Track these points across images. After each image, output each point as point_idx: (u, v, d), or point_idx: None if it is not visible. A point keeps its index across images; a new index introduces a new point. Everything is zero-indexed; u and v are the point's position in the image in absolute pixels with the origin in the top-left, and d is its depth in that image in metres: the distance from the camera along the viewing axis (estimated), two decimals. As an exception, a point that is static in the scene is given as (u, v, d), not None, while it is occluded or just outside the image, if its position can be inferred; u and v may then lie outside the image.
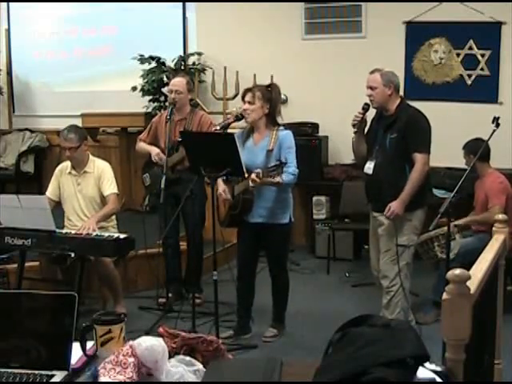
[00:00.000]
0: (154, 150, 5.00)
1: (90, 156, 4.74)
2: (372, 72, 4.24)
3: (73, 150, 4.57)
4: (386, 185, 4.14)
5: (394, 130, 4.13)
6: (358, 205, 6.02)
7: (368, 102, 4.25)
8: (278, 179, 3.93)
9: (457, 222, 4.80)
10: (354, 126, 4.26)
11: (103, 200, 4.67)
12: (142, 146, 5.17)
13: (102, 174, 4.66)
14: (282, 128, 4.30)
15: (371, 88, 4.18)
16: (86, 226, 4.34)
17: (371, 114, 4.36)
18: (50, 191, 4.74)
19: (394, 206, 4.07)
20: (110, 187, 4.64)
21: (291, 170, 4.10)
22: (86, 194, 4.66)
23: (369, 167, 4.25)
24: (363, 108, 4.25)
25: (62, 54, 7.99)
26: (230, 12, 7.18)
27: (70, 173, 4.70)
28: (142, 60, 7.03)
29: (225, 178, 4.26)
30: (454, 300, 1.66)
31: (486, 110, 5.87)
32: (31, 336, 1.85)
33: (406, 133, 4.08)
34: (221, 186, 4.29)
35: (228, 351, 1.90)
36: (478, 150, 4.52)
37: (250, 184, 3.98)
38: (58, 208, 4.73)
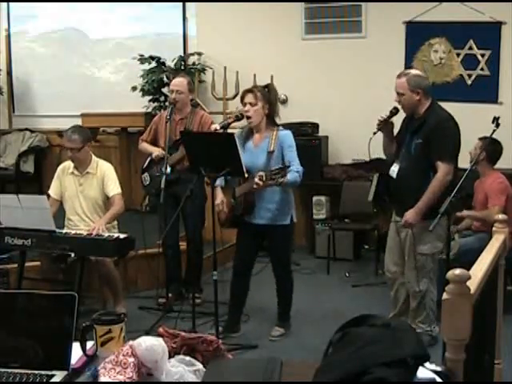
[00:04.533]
0: (156, 150, 5.00)
1: (93, 157, 4.73)
2: (399, 76, 4.07)
3: (75, 151, 4.57)
4: (408, 190, 4.03)
5: (420, 136, 4.00)
6: (358, 205, 6.04)
7: (397, 106, 4.12)
8: (281, 180, 3.92)
9: (457, 214, 4.75)
10: (377, 126, 4.11)
11: (105, 201, 4.68)
12: (144, 146, 5.17)
13: (106, 176, 4.65)
14: (281, 128, 4.31)
15: (398, 94, 4.04)
16: (96, 228, 4.34)
17: (402, 113, 4.21)
18: (53, 190, 4.73)
19: (409, 215, 3.99)
20: (114, 188, 4.64)
21: (295, 168, 4.08)
22: (87, 195, 4.66)
23: (393, 170, 4.16)
24: (391, 112, 4.12)
25: (62, 53, 8.00)
26: (230, 12, 7.18)
27: (72, 173, 4.69)
28: (142, 60, 7.04)
29: (224, 180, 4.27)
30: (454, 300, 1.66)
31: (486, 109, 5.87)
32: (31, 336, 1.85)
33: (431, 139, 3.96)
34: (219, 196, 4.28)
35: (228, 351, 1.90)
36: (491, 150, 4.49)
37: (254, 187, 3.97)
38: (60, 208, 4.74)
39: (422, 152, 4.00)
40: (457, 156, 4.08)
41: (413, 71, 4.17)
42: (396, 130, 4.31)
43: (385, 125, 4.14)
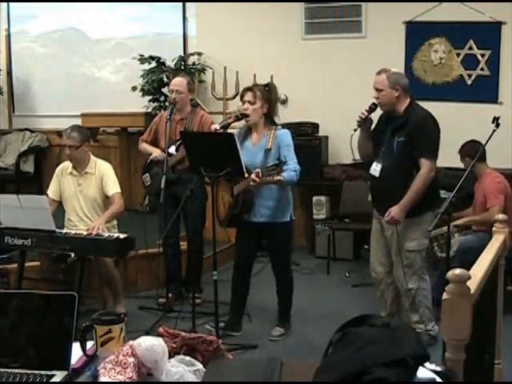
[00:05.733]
0: (156, 151, 5.00)
1: (92, 156, 4.73)
2: (378, 73, 4.10)
3: (73, 149, 4.57)
4: (393, 189, 4.02)
5: (402, 134, 4.01)
6: (358, 205, 6.03)
7: (375, 101, 4.13)
8: (278, 177, 3.93)
9: (456, 223, 4.80)
10: (357, 123, 4.14)
11: (104, 201, 4.68)
12: (144, 146, 5.17)
13: (105, 175, 4.65)
14: (279, 127, 4.32)
15: (377, 90, 4.06)
16: (94, 227, 4.34)
17: (379, 111, 4.23)
18: (52, 191, 4.74)
19: (394, 211, 3.97)
20: (114, 187, 4.64)
21: (292, 166, 4.10)
22: (86, 195, 4.66)
23: (375, 169, 4.15)
24: (370, 107, 4.13)
25: (62, 53, 8.00)
26: (229, 12, 7.18)
27: (71, 173, 4.69)
28: (142, 60, 7.04)
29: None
30: (454, 300, 1.66)
31: (486, 109, 5.87)
32: (31, 336, 1.85)
33: (414, 136, 3.97)
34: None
35: (228, 351, 1.90)
36: (472, 151, 4.51)
37: (251, 183, 3.99)
38: (59, 208, 4.74)
39: (405, 150, 4.00)
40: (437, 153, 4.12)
41: (392, 69, 4.16)
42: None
43: (364, 122, 4.15)
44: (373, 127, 4.28)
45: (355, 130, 4.18)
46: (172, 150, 4.92)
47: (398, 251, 4.10)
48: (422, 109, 4.12)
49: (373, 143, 4.24)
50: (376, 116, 4.28)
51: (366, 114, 4.13)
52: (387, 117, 4.19)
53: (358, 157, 4.54)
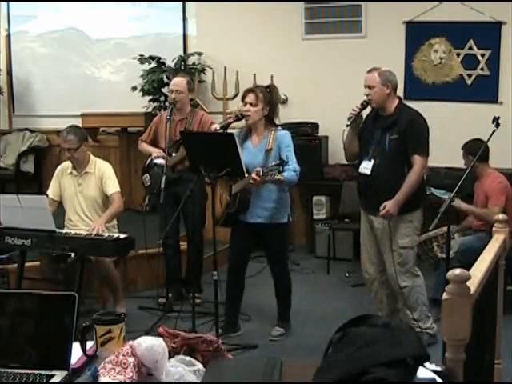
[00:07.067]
0: (156, 151, 5.00)
1: (91, 156, 4.73)
2: (370, 71, 4.14)
3: (72, 151, 4.57)
4: (385, 187, 4.04)
5: (394, 131, 4.05)
6: (357, 205, 6.01)
7: (366, 99, 4.15)
8: (278, 177, 3.93)
9: (456, 204, 4.71)
10: (349, 119, 4.17)
11: (104, 200, 4.68)
12: (144, 146, 5.17)
13: (104, 175, 4.65)
14: (279, 128, 4.32)
15: (369, 87, 4.10)
16: (95, 227, 4.34)
17: (367, 110, 4.26)
18: (52, 191, 4.74)
19: (389, 206, 3.98)
20: (113, 187, 4.64)
21: (292, 167, 4.11)
22: (86, 195, 4.66)
23: (366, 167, 4.16)
24: (362, 104, 4.16)
25: (62, 53, 8.00)
26: (229, 12, 7.17)
27: (70, 173, 4.70)
28: (142, 60, 7.04)
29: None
30: (454, 300, 1.66)
31: (485, 109, 5.87)
32: (31, 336, 1.85)
33: (407, 134, 4.01)
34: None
35: (228, 351, 1.90)
36: (476, 150, 4.51)
37: (251, 182, 3.98)
38: (59, 208, 4.74)
39: (399, 147, 4.04)
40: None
41: (383, 67, 4.19)
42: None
43: (356, 118, 4.17)
44: (360, 126, 4.29)
45: (347, 126, 4.20)
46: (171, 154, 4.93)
47: (389, 249, 4.11)
48: (411, 108, 4.18)
49: (360, 142, 4.26)
50: (364, 115, 4.30)
51: (358, 110, 4.16)
52: (375, 116, 4.23)
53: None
